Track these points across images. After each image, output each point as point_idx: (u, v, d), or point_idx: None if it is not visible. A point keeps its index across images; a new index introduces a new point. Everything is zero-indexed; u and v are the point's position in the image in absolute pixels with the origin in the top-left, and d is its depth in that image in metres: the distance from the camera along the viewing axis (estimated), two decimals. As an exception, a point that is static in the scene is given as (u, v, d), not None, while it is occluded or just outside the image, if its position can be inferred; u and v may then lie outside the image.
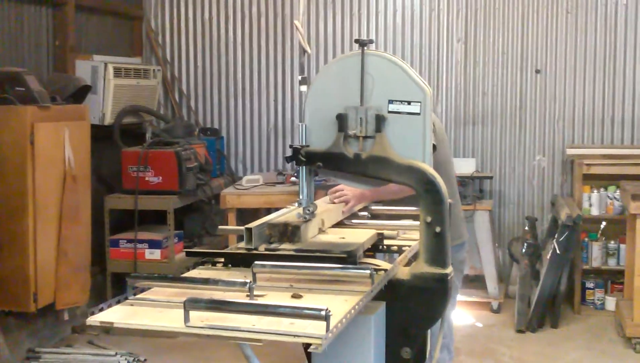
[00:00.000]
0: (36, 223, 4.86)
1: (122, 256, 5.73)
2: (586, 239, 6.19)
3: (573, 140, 6.44)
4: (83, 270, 5.32)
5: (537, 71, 6.44)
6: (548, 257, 5.72)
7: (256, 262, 2.51)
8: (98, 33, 6.44)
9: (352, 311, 2.25)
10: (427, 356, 2.84)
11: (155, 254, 5.68)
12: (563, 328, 5.76)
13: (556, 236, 5.68)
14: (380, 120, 2.70)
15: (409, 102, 2.72)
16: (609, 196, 6.17)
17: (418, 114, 2.71)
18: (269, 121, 6.96)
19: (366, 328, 2.58)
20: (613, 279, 6.25)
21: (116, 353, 5.19)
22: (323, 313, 1.99)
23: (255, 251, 2.73)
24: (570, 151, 6.32)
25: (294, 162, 2.78)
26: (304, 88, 4.15)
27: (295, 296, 2.40)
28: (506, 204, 6.62)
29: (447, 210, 2.67)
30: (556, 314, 5.81)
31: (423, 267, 2.67)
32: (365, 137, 2.72)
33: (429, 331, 2.82)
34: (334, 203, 3.44)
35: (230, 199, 5.67)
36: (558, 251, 5.64)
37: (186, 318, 2.10)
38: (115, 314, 2.23)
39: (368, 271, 2.44)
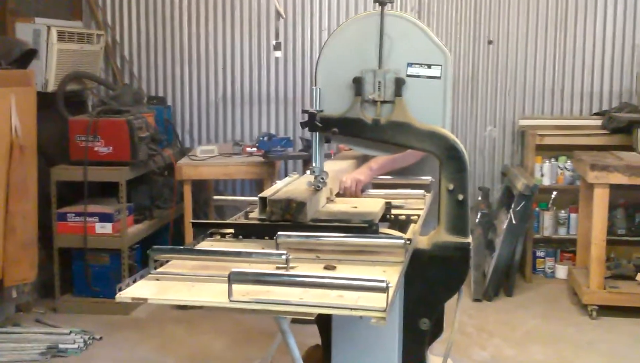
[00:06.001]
0: (-18, 197, 4.56)
1: (71, 230, 5.42)
2: (537, 209, 6.27)
3: (524, 111, 6.48)
4: (31, 245, 5.03)
5: (490, 42, 6.43)
6: (504, 227, 5.76)
7: (280, 233, 2.37)
8: (35, -5, 6.05)
9: (399, 282, 2.15)
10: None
11: (106, 228, 5.40)
12: (518, 297, 5.83)
13: (512, 205, 5.71)
14: (399, 84, 2.60)
15: (429, 66, 2.63)
16: (559, 167, 6.25)
17: (438, 78, 2.63)
18: (217, 90, 6.71)
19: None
20: (562, 247, 6.35)
21: (70, 332, 4.96)
22: (383, 284, 1.88)
23: (270, 222, 2.58)
24: (522, 122, 6.36)
25: (308, 128, 2.65)
26: (278, 54, 4.00)
27: (329, 267, 2.28)
28: (458, 175, 6.60)
29: (468, 178, 2.60)
30: (511, 283, 5.86)
31: (444, 236, 2.59)
32: (384, 102, 2.61)
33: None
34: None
35: (186, 170, 5.46)
36: (514, 221, 5.68)
37: (230, 292, 1.95)
38: (146, 289, 2.06)
39: (402, 241, 2.34)
